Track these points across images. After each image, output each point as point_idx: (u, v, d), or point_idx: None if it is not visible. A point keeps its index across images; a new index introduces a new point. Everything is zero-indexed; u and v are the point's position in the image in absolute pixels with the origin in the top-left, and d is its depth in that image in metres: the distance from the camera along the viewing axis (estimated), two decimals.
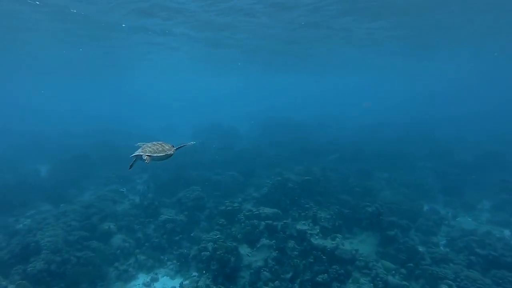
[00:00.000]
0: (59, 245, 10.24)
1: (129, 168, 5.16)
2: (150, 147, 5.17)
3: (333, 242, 9.96)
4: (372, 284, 9.08)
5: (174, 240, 11.88)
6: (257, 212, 11.68)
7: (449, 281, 8.83)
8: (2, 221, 13.43)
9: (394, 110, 51.92)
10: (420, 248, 11.43)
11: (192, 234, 12.23)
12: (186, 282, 10.29)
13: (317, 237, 10.25)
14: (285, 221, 11.34)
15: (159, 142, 5.37)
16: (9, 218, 13.95)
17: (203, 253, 9.89)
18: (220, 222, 11.83)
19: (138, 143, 5.48)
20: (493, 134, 29.77)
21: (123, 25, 22.50)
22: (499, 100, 58.76)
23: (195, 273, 10.54)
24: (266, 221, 11.22)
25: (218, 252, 9.39)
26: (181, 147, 5.66)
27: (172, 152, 5.32)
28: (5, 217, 13.93)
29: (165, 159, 5.35)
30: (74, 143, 28.55)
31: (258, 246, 10.40)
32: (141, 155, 5.02)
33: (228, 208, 12.69)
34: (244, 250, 10.33)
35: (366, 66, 46.43)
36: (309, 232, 10.41)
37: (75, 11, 19.23)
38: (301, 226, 10.82)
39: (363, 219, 11.89)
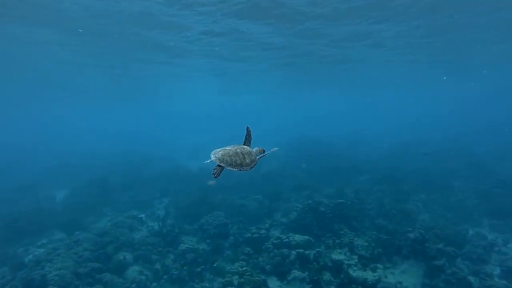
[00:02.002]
0: (68, 278, 9.51)
1: (214, 177, 4.28)
2: (229, 156, 4.26)
3: (374, 274, 8.80)
4: None
5: (196, 272, 10.86)
6: (287, 239, 10.70)
7: None
8: (11, 252, 12.86)
9: (428, 126, 49.65)
10: (471, 279, 10.05)
11: (215, 265, 11.25)
12: None
13: (355, 268, 9.11)
14: (318, 249, 10.30)
15: (243, 151, 4.45)
16: (19, 248, 13.30)
17: None
18: (246, 251, 10.90)
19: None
20: None
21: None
22: None
23: None
24: (297, 250, 10.20)
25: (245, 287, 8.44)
26: (263, 156, 4.83)
27: (249, 168, 4.43)
28: (15, 247, 13.33)
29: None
30: (97, 164, 28.63)
31: (289, 279, 9.36)
32: (216, 162, 4.19)
33: (254, 235, 11.80)
34: (273, 283, 9.32)
35: (397, 82, 45.45)
36: (346, 262, 9.28)
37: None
38: (337, 255, 9.72)
39: (403, 246, 10.63)
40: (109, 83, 39.57)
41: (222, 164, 4.15)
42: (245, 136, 4.78)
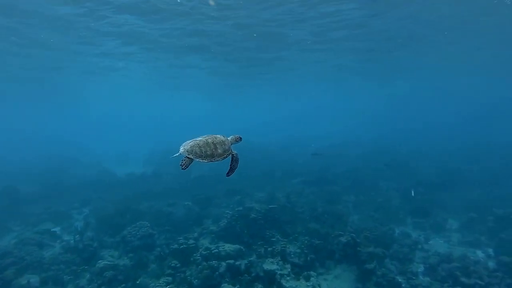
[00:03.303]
0: None
1: (182, 168, 4.09)
2: (199, 147, 4.06)
3: (308, 284, 8.44)
4: None
5: None
6: (216, 250, 9.93)
7: None
8: None
9: (356, 130, 52.44)
10: (399, 279, 10.27)
11: (138, 282, 10.05)
12: None
13: (288, 278, 8.68)
14: (249, 259, 9.71)
15: (215, 140, 4.20)
16: None
17: None
18: (173, 265, 9.90)
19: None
20: (452, 150, 30.46)
21: None
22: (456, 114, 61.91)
23: None
24: (227, 261, 9.47)
25: None
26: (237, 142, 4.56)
27: (221, 159, 4.25)
28: None
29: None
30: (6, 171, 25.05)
31: None
32: (184, 154, 4.04)
33: (182, 246, 10.81)
34: None
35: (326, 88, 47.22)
36: (278, 272, 8.80)
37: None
38: (269, 265, 9.20)
39: (336, 251, 10.53)
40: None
41: (191, 156, 4.00)
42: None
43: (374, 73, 36.66)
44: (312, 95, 63.35)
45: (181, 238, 11.38)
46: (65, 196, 19.36)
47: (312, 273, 9.03)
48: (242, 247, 10.35)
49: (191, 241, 11.17)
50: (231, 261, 9.45)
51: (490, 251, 12.99)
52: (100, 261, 10.46)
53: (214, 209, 16.19)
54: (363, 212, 16.33)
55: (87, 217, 15.77)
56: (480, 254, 13.00)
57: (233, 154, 4.42)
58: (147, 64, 28.68)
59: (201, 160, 4.07)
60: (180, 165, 4.04)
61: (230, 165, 4.48)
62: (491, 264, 11.75)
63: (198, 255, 9.97)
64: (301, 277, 8.78)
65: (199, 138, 4.19)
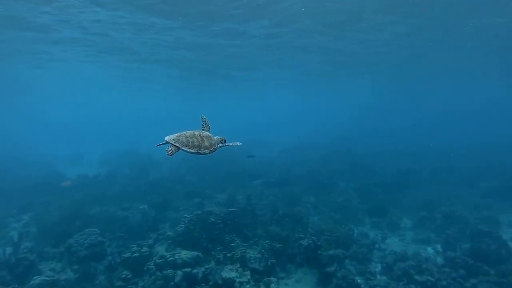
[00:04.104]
0: None
1: (169, 154, 4.08)
2: (185, 137, 4.17)
3: None
4: None
5: None
6: (172, 258, 9.34)
7: None
8: None
9: (317, 132, 53.32)
10: (359, 280, 10.32)
11: None
12: None
13: (248, 285, 8.32)
14: (207, 266, 9.20)
15: (202, 134, 4.36)
16: None
17: None
18: (123, 276, 9.17)
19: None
20: (405, 151, 31.79)
21: None
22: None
23: None
24: (183, 270, 8.93)
25: None
26: (223, 146, 4.66)
27: (209, 151, 4.34)
28: None
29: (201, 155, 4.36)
30: None
31: None
32: (170, 143, 4.07)
33: (135, 254, 10.10)
34: None
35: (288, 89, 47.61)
36: (238, 280, 8.43)
37: None
38: (228, 272, 8.79)
39: (297, 254, 10.36)
40: None
41: (177, 145, 4.03)
42: (202, 126, 4.68)
43: (334, 76, 37.53)
44: (276, 100, 64.05)
45: (134, 245, 10.65)
46: (0, 201, 17.60)
47: (272, 278, 8.76)
48: (200, 254, 9.86)
49: (145, 249, 10.48)
50: (188, 270, 8.92)
51: (439, 247, 13.56)
52: (36, 277, 9.21)
53: (172, 213, 15.53)
54: (323, 213, 16.41)
55: (27, 225, 14.39)
56: (430, 251, 13.54)
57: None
58: (100, 59, 27.11)
59: (187, 150, 4.10)
60: (166, 150, 4.02)
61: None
62: (439, 260, 12.24)
63: (152, 264, 9.34)
64: (261, 283, 8.48)
65: (185, 131, 4.29)
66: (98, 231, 11.67)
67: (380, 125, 53.36)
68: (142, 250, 10.34)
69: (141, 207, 15.63)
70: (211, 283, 8.58)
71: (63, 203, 16.22)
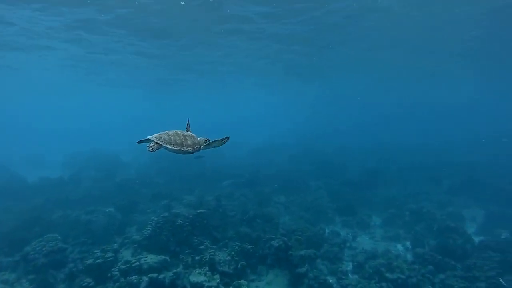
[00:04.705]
0: None
1: (150, 150, 4.12)
2: (168, 135, 4.24)
3: None
4: None
5: None
6: (137, 263, 8.95)
7: None
8: None
9: (285, 132, 53.71)
10: (330, 280, 10.35)
11: None
12: None
13: None
14: (175, 270, 8.89)
15: (185, 133, 4.46)
16: None
17: None
18: (85, 284, 8.68)
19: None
20: (371, 150, 32.56)
21: None
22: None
23: None
24: (149, 275, 8.57)
25: None
26: (208, 146, 4.67)
27: (192, 149, 4.38)
28: None
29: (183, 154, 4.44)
30: None
31: None
32: (151, 140, 4.15)
33: (98, 260, 9.61)
34: None
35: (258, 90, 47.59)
36: (206, 284, 8.17)
37: None
38: (196, 277, 8.51)
39: (268, 255, 10.22)
40: None
41: (159, 142, 4.06)
42: (187, 127, 4.74)
43: (299, 76, 37.94)
44: (245, 101, 63.86)
45: (98, 251, 10.14)
46: None
47: (243, 281, 8.56)
48: (167, 258, 9.51)
49: (110, 254, 9.99)
50: (154, 275, 8.57)
51: (408, 244, 13.90)
52: None
53: (139, 216, 15.00)
54: (294, 213, 16.42)
55: None
56: (400, 248, 13.83)
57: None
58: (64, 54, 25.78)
59: (169, 147, 4.12)
60: (148, 147, 4.05)
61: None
62: (409, 256, 12.55)
63: (117, 270, 8.91)
64: (231, 287, 8.27)
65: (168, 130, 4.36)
66: (59, 237, 11.03)
67: (346, 124, 54.54)
68: (106, 256, 9.85)
69: (107, 210, 15.07)
70: None
71: (21, 208, 15.28)
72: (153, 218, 11.96)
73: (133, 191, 18.52)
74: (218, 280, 8.37)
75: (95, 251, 10.25)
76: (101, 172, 24.51)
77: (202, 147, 4.58)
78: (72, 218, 14.15)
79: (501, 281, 9.50)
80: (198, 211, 11.80)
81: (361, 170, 23.66)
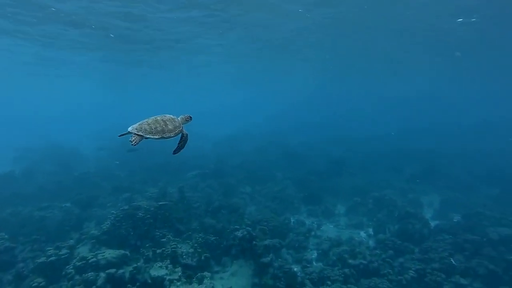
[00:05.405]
0: None
1: (132, 144, 3.97)
2: (148, 124, 4.10)
3: (201, 287, 7.68)
4: None
5: None
6: (94, 259, 8.44)
7: None
8: None
9: (251, 124, 53.49)
10: (295, 268, 10.36)
11: None
12: None
13: (179, 283, 7.77)
14: (135, 265, 8.46)
15: (164, 118, 4.29)
16: None
17: None
18: (35, 284, 8.06)
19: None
20: (334, 140, 33.17)
21: None
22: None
23: None
24: (107, 271, 8.08)
25: None
26: (186, 120, 4.66)
27: (174, 134, 4.29)
28: None
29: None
30: None
31: None
32: (132, 133, 4.00)
33: (51, 258, 8.98)
34: None
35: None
36: (168, 278, 7.83)
37: None
38: (157, 270, 8.15)
39: (232, 246, 10.01)
40: None
41: (140, 133, 3.98)
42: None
43: (265, 71, 37.97)
44: (209, 93, 62.91)
45: (51, 248, 9.48)
46: None
47: (206, 273, 8.29)
48: (127, 252, 9.05)
49: (65, 251, 9.38)
50: (113, 270, 8.09)
51: (370, 230, 14.24)
52: None
53: (98, 210, 14.27)
54: (260, 203, 16.31)
55: None
56: (363, 234, 14.14)
57: (183, 133, 4.50)
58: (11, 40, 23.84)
59: (151, 137, 4.03)
60: (130, 141, 3.95)
61: (179, 143, 4.54)
62: (371, 242, 12.90)
63: (71, 267, 8.35)
64: (193, 280, 7.97)
65: (147, 119, 4.21)
66: (7, 236, 10.27)
67: (310, 117, 55.18)
68: (60, 253, 9.25)
69: (63, 206, 14.29)
70: (138, 283, 7.88)
71: None
72: (112, 212, 11.42)
73: (93, 185, 17.63)
74: (180, 273, 8.06)
75: (48, 248, 9.60)
76: (57, 166, 23.13)
77: (183, 126, 4.51)
78: (23, 215, 13.20)
79: (452, 260, 10.09)
80: (160, 203, 11.38)
81: (326, 161, 23.96)
